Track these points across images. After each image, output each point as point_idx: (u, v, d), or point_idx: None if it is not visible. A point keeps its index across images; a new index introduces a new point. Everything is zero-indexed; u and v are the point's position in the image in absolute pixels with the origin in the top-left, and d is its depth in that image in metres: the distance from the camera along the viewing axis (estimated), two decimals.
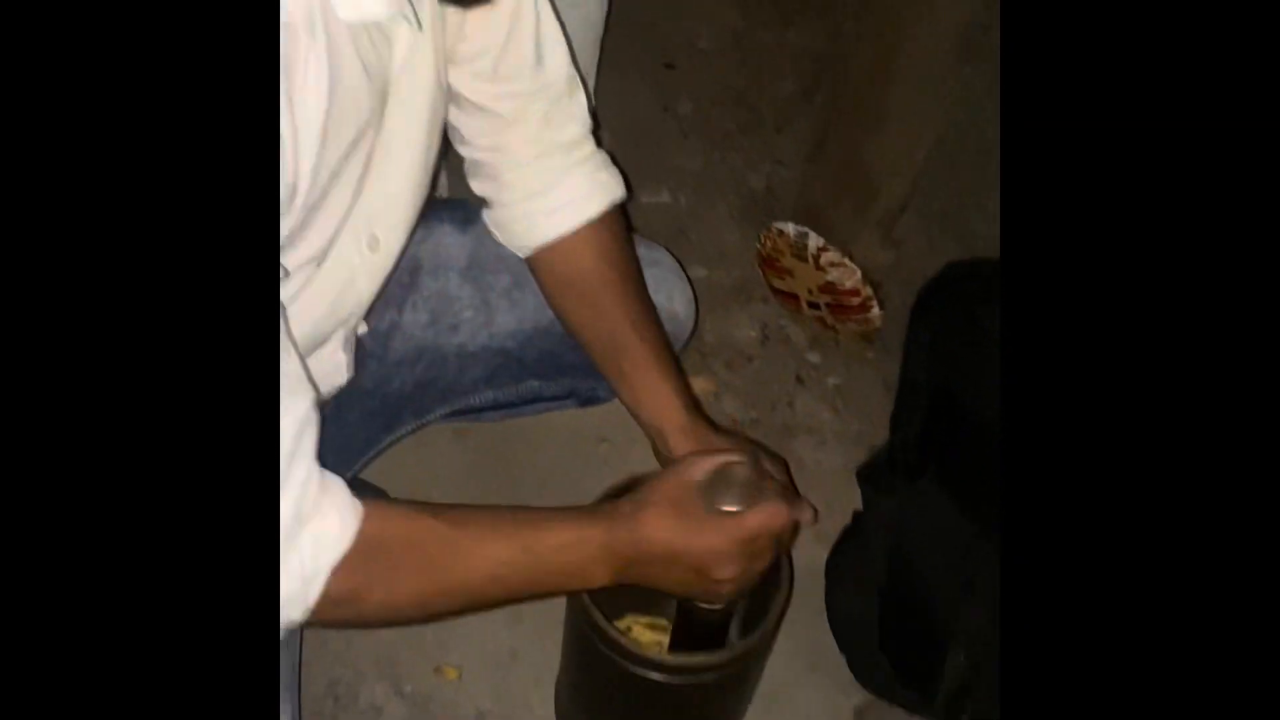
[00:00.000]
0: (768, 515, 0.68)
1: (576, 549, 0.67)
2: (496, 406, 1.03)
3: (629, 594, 0.82)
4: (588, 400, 1.05)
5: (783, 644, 0.85)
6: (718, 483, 0.68)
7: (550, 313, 0.91)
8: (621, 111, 1.38)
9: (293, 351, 0.59)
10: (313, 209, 0.65)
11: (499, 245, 0.91)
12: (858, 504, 1.00)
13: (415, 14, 0.64)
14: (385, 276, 0.80)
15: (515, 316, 0.95)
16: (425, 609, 0.67)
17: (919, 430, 0.93)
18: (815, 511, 0.81)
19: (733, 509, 0.68)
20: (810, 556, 1.00)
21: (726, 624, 0.79)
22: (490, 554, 0.65)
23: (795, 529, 0.80)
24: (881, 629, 0.93)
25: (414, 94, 0.71)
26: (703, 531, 0.67)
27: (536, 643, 0.95)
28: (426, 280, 0.94)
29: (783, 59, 1.56)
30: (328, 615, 0.61)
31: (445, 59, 0.75)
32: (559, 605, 0.90)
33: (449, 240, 0.93)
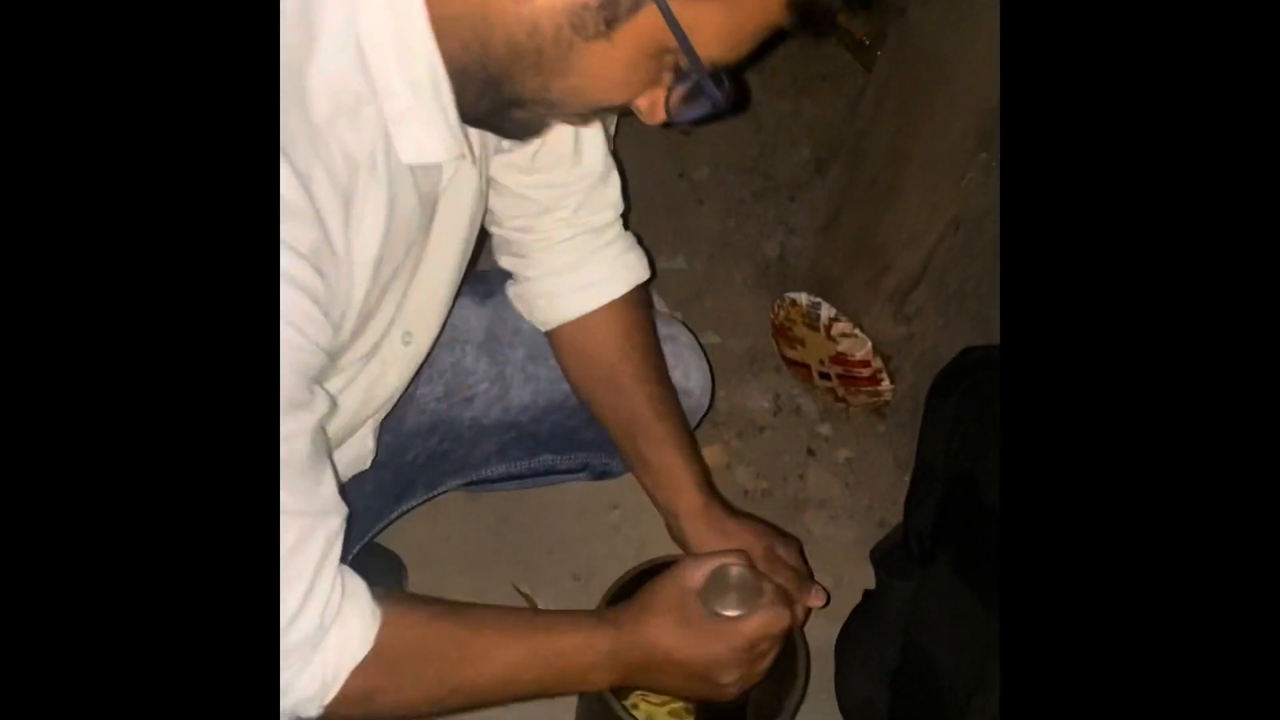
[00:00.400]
0: (766, 620, 0.70)
1: (583, 655, 0.69)
2: (509, 479, 1.04)
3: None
4: (601, 474, 1.05)
5: None
6: (716, 586, 0.70)
7: (565, 387, 0.92)
8: (638, 177, 1.39)
9: (330, 470, 0.62)
10: (366, 318, 0.67)
11: (516, 319, 0.92)
12: (868, 580, 1.00)
13: (473, 151, 0.66)
14: (417, 368, 0.81)
15: (530, 391, 0.96)
16: (435, 708, 0.69)
17: (934, 515, 0.93)
18: (827, 595, 0.82)
19: (732, 613, 0.69)
20: (820, 635, 1.00)
21: (745, 704, 0.79)
22: (500, 658, 0.68)
23: (806, 614, 0.81)
24: (892, 715, 0.93)
25: (458, 205, 0.73)
26: (703, 640, 0.69)
27: None
28: (442, 353, 0.94)
29: (798, 129, 1.58)
30: (342, 712, 0.63)
31: (487, 163, 0.76)
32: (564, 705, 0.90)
33: (466, 314, 0.94)
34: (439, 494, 1.01)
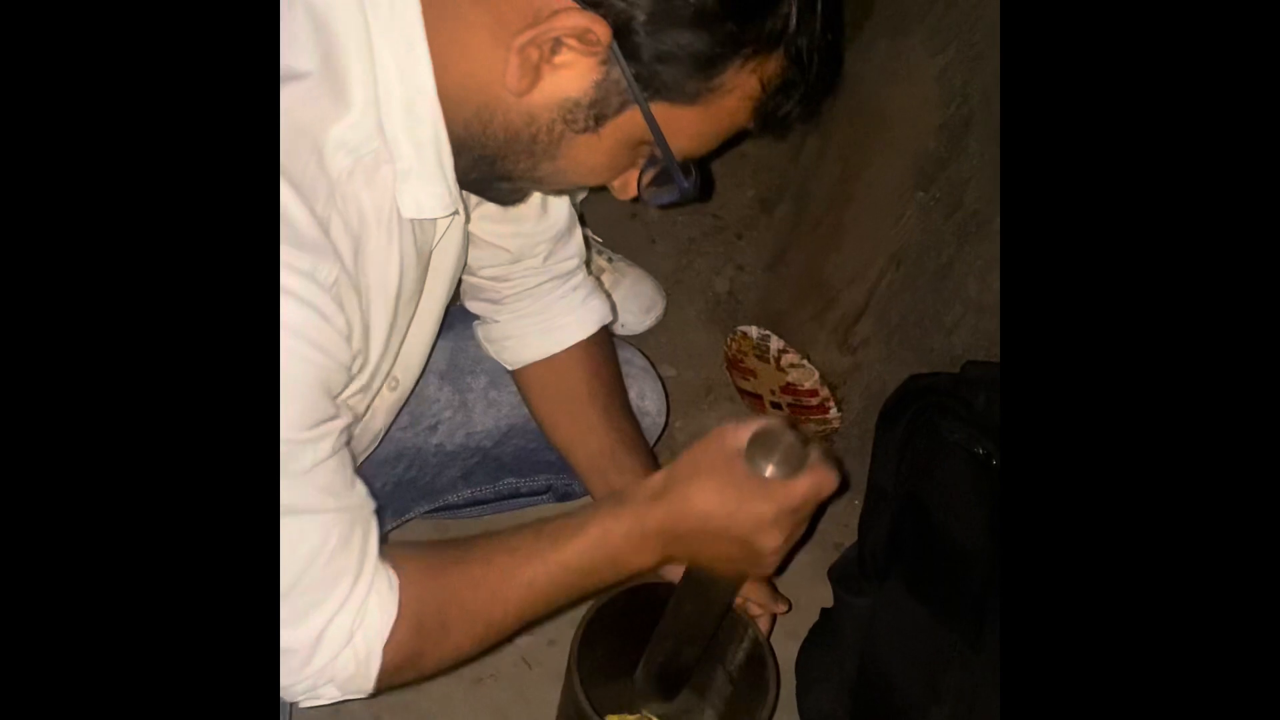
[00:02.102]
0: (818, 481, 0.66)
1: (606, 545, 0.68)
2: (475, 503, 1.07)
3: (618, 691, 0.86)
4: (564, 495, 1.09)
5: None
6: (760, 447, 0.65)
7: (526, 412, 0.96)
8: (593, 216, 1.45)
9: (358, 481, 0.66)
10: (366, 369, 0.71)
11: (477, 348, 0.96)
12: (826, 600, 1.05)
13: (465, 208, 0.71)
14: (399, 410, 0.84)
15: (493, 416, 1.00)
16: (479, 647, 0.70)
17: (887, 535, 0.99)
18: (789, 604, 0.86)
19: (777, 474, 0.65)
20: (782, 652, 1.04)
21: (727, 609, 0.77)
22: (521, 582, 0.68)
23: (773, 619, 0.84)
24: None
25: (445, 260, 0.78)
26: (752, 499, 0.66)
27: None
28: None
29: (743, 171, 1.65)
30: (392, 683, 0.66)
31: (470, 219, 0.81)
32: (545, 708, 0.93)
33: None
34: (407, 520, 1.03)
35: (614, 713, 0.90)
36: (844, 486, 0.70)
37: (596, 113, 0.60)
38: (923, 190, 1.18)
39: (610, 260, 1.36)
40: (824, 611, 1.05)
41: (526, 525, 0.70)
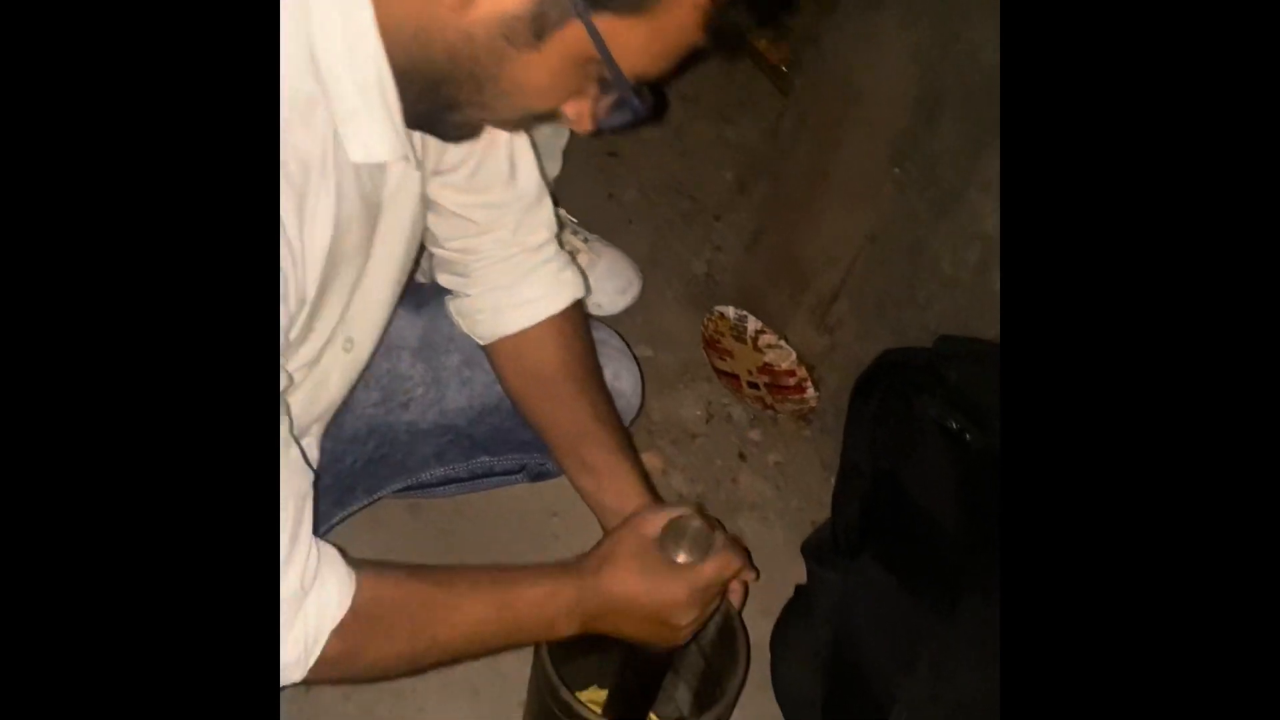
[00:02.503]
0: (721, 564, 0.75)
1: (548, 605, 0.73)
2: (448, 482, 1.06)
3: (588, 667, 0.86)
4: (538, 475, 1.08)
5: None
6: (671, 536, 0.74)
7: (500, 390, 0.95)
8: (569, 198, 1.44)
9: (294, 442, 0.63)
10: (312, 319, 0.70)
11: (450, 326, 0.95)
12: (800, 578, 1.05)
13: (415, 154, 0.69)
14: (358, 375, 0.83)
15: (466, 394, 0.99)
16: (411, 665, 0.72)
17: (860, 509, 0.98)
18: (756, 572, 0.86)
19: (688, 559, 0.74)
20: (755, 630, 1.04)
21: (665, 672, 0.85)
22: (470, 614, 0.71)
23: (745, 590, 0.86)
24: (825, 702, 0.97)
25: (400, 218, 0.76)
26: (665, 584, 0.74)
27: (493, 718, 0.96)
28: (379, 360, 0.96)
29: (721, 151, 1.65)
30: (323, 675, 0.65)
31: (427, 178, 0.80)
32: (517, 682, 0.92)
33: (402, 323, 0.96)
34: (378, 498, 1.02)
35: (584, 689, 0.90)
36: (749, 564, 0.80)
37: (536, 27, 0.58)
38: (897, 167, 1.18)
39: (586, 240, 1.35)
40: (798, 587, 1.05)
41: (485, 568, 0.75)
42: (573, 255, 0.96)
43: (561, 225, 1.36)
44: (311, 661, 0.64)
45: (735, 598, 0.85)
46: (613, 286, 1.34)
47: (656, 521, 0.75)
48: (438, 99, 0.63)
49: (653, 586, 0.73)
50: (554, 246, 0.92)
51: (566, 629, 0.74)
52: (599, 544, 0.77)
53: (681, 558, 0.74)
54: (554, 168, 1.35)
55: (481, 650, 0.75)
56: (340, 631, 0.64)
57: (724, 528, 0.86)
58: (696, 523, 0.75)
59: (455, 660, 0.75)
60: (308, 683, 0.66)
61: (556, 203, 1.41)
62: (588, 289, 0.95)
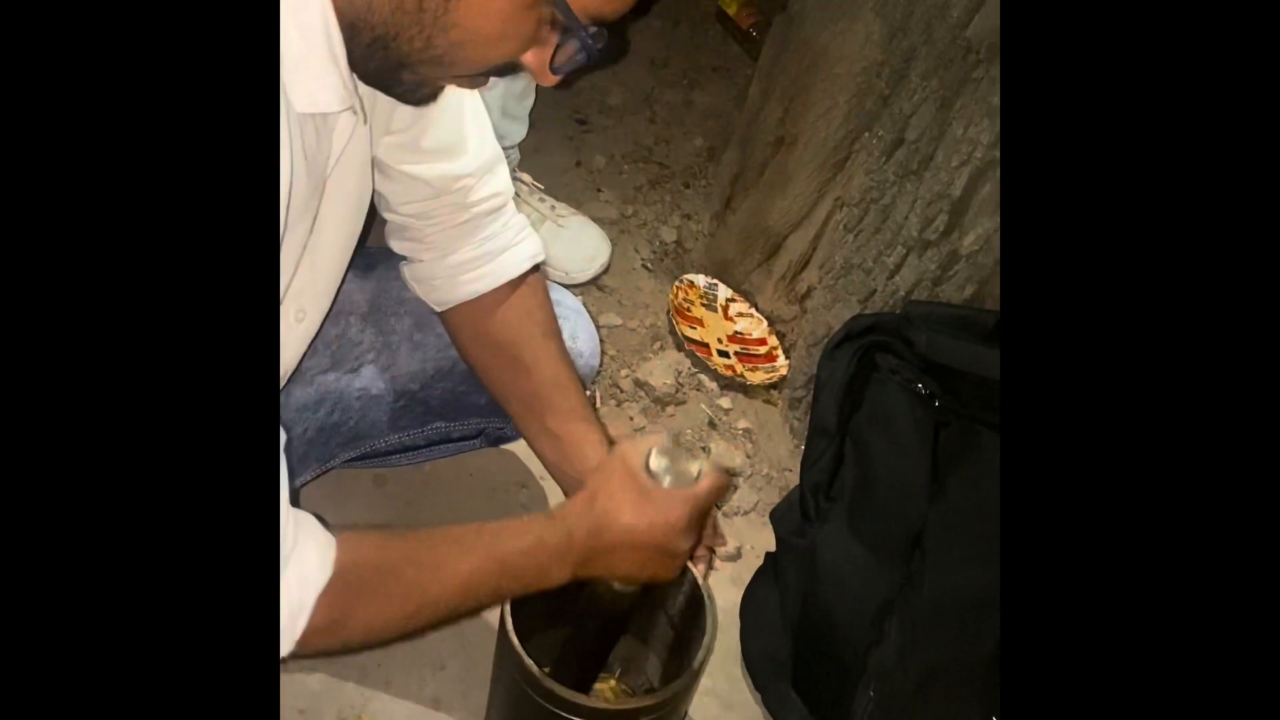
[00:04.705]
0: (714, 484, 0.74)
1: (539, 552, 0.72)
2: (405, 449, 1.04)
3: (553, 640, 0.85)
4: (497, 440, 1.06)
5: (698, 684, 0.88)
6: (658, 462, 0.73)
7: (454, 354, 0.93)
8: (537, 165, 1.42)
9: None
10: None
11: (401, 289, 0.93)
12: (770, 545, 1.04)
13: (361, 105, 0.67)
14: (308, 344, 0.81)
15: (419, 359, 0.97)
16: (404, 627, 0.70)
17: (829, 473, 0.98)
18: (724, 539, 0.86)
19: (677, 485, 0.72)
20: (725, 599, 1.03)
21: (620, 630, 0.83)
22: (459, 569, 0.70)
23: (712, 555, 0.85)
24: (795, 668, 0.97)
25: (347, 180, 0.74)
26: (664, 509, 0.72)
27: (460, 691, 0.95)
28: (327, 326, 0.94)
29: (690, 119, 1.63)
30: (313, 645, 0.64)
31: (376, 138, 0.77)
32: (483, 655, 0.91)
33: (350, 287, 0.94)
34: (331, 467, 1.00)
35: (549, 663, 0.88)
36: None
37: None
38: (866, 130, 1.16)
39: (553, 208, 1.33)
40: (767, 555, 1.04)
41: (468, 524, 0.72)
42: (536, 223, 0.95)
43: (529, 191, 1.34)
44: (299, 632, 0.63)
45: (701, 565, 0.84)
46: (580, 254, 1.33)
47: (638, 452, 0.73)
48: (388, 55, 0.61)
49: (653, 513, 0.71)
50: (511, 211, 0.90)
51: (559, 575, 0.72)
52: (586, 484, 0.74)
53: (669, 482, 0.72)
54: (520, 132, 1.33)
55: (475, 605, 0.73)
56: (325, 598, 0.63)
57: (706, 452, 0.84)
58: (677, 448, 0.73)
59: (449, 618, 0.72)
60: (298, 657, 0.64)
61: (524, 169, 1.39)
62: (545, 253, 0.93)
